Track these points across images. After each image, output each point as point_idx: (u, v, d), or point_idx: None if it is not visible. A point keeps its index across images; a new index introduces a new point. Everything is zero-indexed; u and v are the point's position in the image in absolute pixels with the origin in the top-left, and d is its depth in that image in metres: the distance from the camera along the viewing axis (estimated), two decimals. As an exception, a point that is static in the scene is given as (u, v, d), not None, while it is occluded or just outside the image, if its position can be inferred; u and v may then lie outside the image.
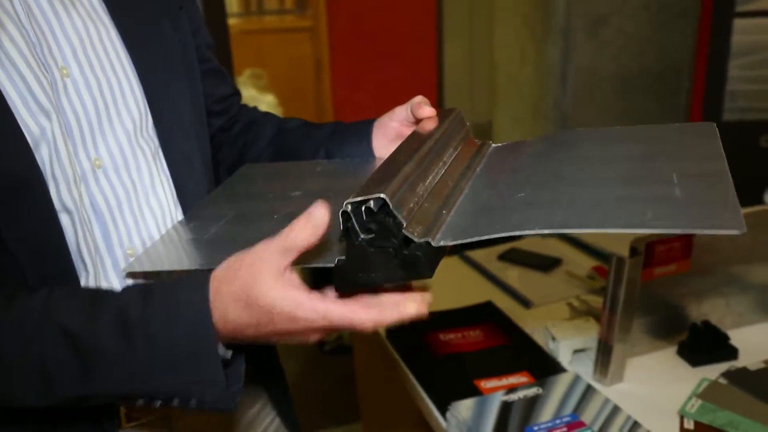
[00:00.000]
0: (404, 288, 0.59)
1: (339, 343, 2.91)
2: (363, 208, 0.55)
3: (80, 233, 0.66)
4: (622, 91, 2.65)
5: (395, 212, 0.55)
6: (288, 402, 0.95)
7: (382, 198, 0.54)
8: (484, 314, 1.35)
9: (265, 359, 0.90)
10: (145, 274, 0.69)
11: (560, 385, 1.07)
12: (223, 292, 0.56)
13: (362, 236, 0.55)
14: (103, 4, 0.71)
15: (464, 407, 1.03)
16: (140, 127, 0.72)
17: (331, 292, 0.59)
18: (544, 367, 1.15)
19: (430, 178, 0.65)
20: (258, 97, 3.75)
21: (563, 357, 1.18)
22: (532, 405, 1.02)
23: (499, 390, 1.07)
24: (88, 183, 0.68)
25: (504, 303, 1.40)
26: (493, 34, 3.18)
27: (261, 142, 0.90)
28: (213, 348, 0.56)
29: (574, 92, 2.60)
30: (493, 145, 0.81)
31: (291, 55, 4.33)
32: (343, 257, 0.56)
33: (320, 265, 0.58)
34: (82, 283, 0.66)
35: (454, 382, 1.12)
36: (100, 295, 0.60)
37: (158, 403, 0.58)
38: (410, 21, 3.78)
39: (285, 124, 0.92)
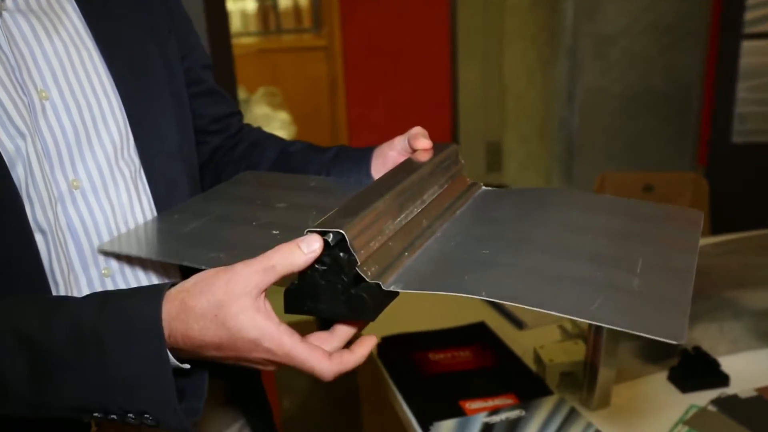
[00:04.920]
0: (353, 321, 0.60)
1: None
2: (321, 240, 0.55)
3: (53, 253, 0.67)
4: (629, 111, 2.64)
5: (351, 249, 0.55)
6: (270, 424, 0.95)
7: (341, 233, 0.55)
8: (475, 335, 1.34)
9: (244, 379, 0.91)
10: (117, 256, 0.72)
11: (544, 407, 1.06)
12: (189, 306, 0.55)
13: (316, 266, 0.56)
14: (88, 29, 0.73)
15: (445, 428, 1.03)
16: (121, 149, 0.74)
17: (314, 336, 0.59)
18: (531, 390, 1.14)
19: (402, 216, 0.65)
20: (271, 115, 3.79)
21: (550, 380, 1.17)
22: (513, 427, 1.02)
23: (484, 411, 1.07)
24: (65, 203, 0.69)
25: (497, 324, 1.39)
26: (502, 56, 3.20)
27: (264, 163, 0.91)
28: (163, 365, 0.56)
29: (580, 112, 2.60)
30: (483, 188, 0.81)
31: (306, 74, 4.37)
32: (296, 282, 0.57)
33: (278, 284, 0.58)
34: None
35: (439, 402, 1.12)
36: (59, 301, 0.60)
37: (114, 417, 0.58)
38: (424, 42, 3.81)
39: (289, 146, 0.92)
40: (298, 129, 3.99)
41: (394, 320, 1.40)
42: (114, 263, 0.72)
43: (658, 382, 1.18)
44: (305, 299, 0.57)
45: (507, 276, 0.58)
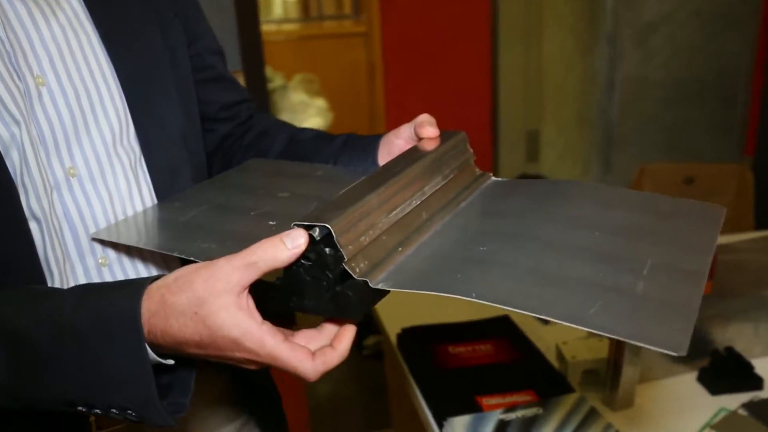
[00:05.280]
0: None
1: (377, 349, 2.90)
2: (306, 235, 0.53)
3: (48, 242, 0.66)
4: (671, 100, 2.55)
5: (338, 245, 0.53)
6: (277, 419, 0.93)
7: (327, 228, 0.53)
8: (498, 328, 1.31)
9: (248, 372, 0.89)
10: (114, 245, 0.70)
11: (562, 406, 1.03)
12: (169, 302, 0.53)
13: (302, 261, 0.53)
14: (87, 13, 0.71)
15: (459, 424, 1.00)
16: (120, 136, 0.72)
17: (300, 334, 0.57)
18: (551, 387, 1.10)
19: (399, 208, 0.62)
20: (308, 102, 3.78)
21: (573, 377, 1.13)
22: (529, 425, 0.99)
23: (500, 408, 1.04)
24: (61, 191, 0.68)
25: (522, 318, 1.35)
26: (541, 43, 3.12)
27: (273, 152, 0.89)
28: (142, 362, 0.54)
29: (620, 101, 2.52)
30: (493, 179, 0.77)
31: (345, 60, 4.35)
32: (281, 277, 0.54)
33: (263, 278, 0.56)
34: None
35: (455, 397, 1.09)
36: (44, 294, 0.59)
37: (98, 411, 0.57)
38: (465, 29, 3.74)
39: (298, 134, 0.90)
40: (336, 116, 3.98)
41: (415, 311, 1.37)
42: (111, 252, 0.71)
43: (687, 382, 1.14)
44: (290, 295, 0.54)
45: (502, 276, 0.54)
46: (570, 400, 1.04)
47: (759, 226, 2.12)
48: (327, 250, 0.53)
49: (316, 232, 0.53)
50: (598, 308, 0.49)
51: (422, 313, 1.36)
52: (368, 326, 2.21)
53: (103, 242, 0.70)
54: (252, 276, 0.52)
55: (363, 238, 0.56)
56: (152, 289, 0.54)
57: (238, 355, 0.53)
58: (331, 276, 0.53)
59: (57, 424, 0.66)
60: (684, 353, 0.45)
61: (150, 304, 0.54)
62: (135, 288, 0.55)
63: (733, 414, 1.04)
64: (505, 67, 3.68)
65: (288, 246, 0.52)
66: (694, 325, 0.48)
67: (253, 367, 0.56)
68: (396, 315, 1.40)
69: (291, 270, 0.54)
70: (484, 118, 3.63)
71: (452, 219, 0.66)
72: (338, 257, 0.53)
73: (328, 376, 0.88)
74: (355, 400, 2.61)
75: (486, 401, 1.07)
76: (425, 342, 1.27)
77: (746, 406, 1.06)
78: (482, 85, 3.85)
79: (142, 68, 0.74)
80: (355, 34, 4.36)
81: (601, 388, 1.11)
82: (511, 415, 1.01)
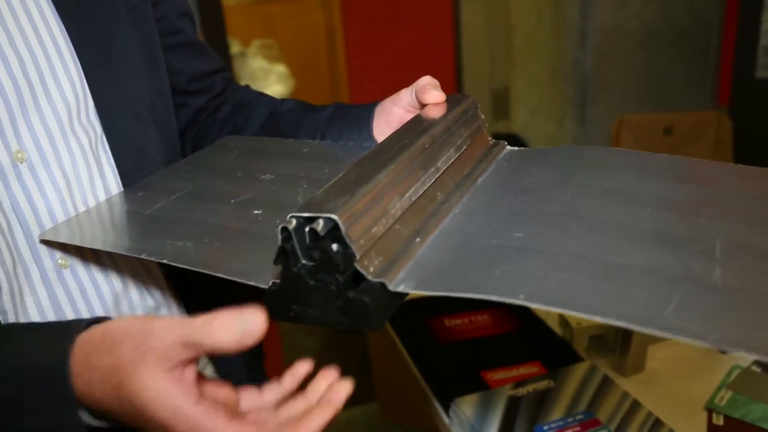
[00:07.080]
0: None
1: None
2: (307, 229, 0.43)
3: None
4: (645, 48, 2.49)
5: (347, 240, 0.43)
6: None
7: (333, 219, 0.43)
8: (494, 296, 1.25)
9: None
10: (62, 246, 0.59)
11: (574, 376, 0.97)
12: (93, 366, 0.44)
13: (303, 262, 0.44)
14: None
15: (468, 404, 0.94)
16: (76, 113, 0.62)
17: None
18: (558, 356, 1.05)
19: (412, 189, 0.52)
20: (268, 68, 3.64)
21: (579, 344, 1.08)
22: (542, 400, 0.93)
23: (508, 382, 0.98)
24: (8, 180, 0.57)
25: (516, 283, 1.30)
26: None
27: (251, 126, 0.79)
28: (75, 426, 0.45)
29: (594, 51, 2.45)
30: (509, 148, 0.67)
31: (303, 24, 4.21)
32: (278, 280, 0.45)
33: (251, 283, 0.47)
34: None
35: (458, 375, 1.03)
36: None
37: None
38: (424, -19, 3.62)
39: (279, 106, 0.80)
40: (297, 82, 3.85)
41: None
42: (73, 251, 0.61)
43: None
44: (289, 303, 0.44)
45: (551, 269, 0.44)
46: (581, 369, 0.99)
47: (739, 173, 2.10)
48: (334, 246, 0.43)
49: (320, 226, 0.43)
50: (675, 306, 0.40)
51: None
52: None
53: (49, 242, 0.60)
54: (191, 356, 0.42)
55: (375, 228, 0.46)
56: (79, 344, 0.45)
57: None
58: (341, 279, 0.43)
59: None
60: None
61: (74, 363, 0.44)
62: (61, 341, 0.45)
63: (746, 371, 0.99)
64: (467, 22, 3.57)
65: (237, 335, 0.41)
66: None
67: None
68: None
69: (290, 272, 0.44)
70: (449, 78, 3.54)
71: (472, 199, 0.57)
72: (348, 255, 0.43)
73: (304, 350, 0.80)
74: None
75: (491, 376, 1.01)
76: (419, 315, 1.21)
77: (758, 361, 1.02)
78: (446, 42, 3.74)
79: (100, 32, 0.63)
80: (312, -4, 4.21)
81: (610, 353, 1.06)
82: (522, 390, 0.95)
